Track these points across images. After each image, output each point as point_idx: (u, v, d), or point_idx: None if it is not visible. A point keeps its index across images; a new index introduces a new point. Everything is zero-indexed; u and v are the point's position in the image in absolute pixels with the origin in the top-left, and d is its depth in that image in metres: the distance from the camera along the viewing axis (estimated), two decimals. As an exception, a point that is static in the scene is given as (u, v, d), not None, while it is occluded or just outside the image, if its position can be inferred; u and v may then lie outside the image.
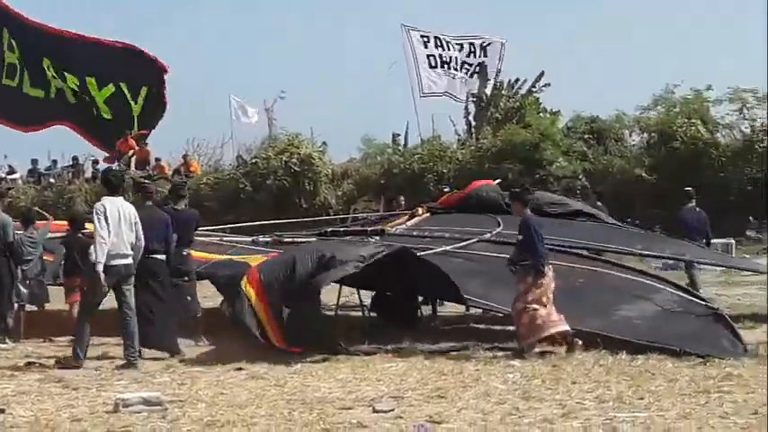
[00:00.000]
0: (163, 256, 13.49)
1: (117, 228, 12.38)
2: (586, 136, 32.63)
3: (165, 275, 13.59)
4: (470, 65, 35.19)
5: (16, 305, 15.10)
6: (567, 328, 12.51)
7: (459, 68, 35.28)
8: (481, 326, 15.74)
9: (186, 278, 14.56)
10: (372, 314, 16.29)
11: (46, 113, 34.56)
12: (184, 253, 14.57)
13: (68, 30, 34.83)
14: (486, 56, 35.36)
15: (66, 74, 34.25)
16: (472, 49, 35.60)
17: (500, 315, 15.84)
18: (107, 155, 35.16)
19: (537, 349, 12.49)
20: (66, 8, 65.22)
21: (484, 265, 15.01)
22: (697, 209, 19.22)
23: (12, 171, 37.51)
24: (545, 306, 12.54)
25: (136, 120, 34.84)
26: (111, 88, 35.22)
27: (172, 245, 13.73)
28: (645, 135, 33.03)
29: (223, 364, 12.35)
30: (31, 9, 35.63)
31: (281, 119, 38.41)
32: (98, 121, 35.20)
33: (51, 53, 34.19)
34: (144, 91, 34.89)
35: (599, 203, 22.14)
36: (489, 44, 35.59)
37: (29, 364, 12.69)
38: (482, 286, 14.21)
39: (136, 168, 34.45)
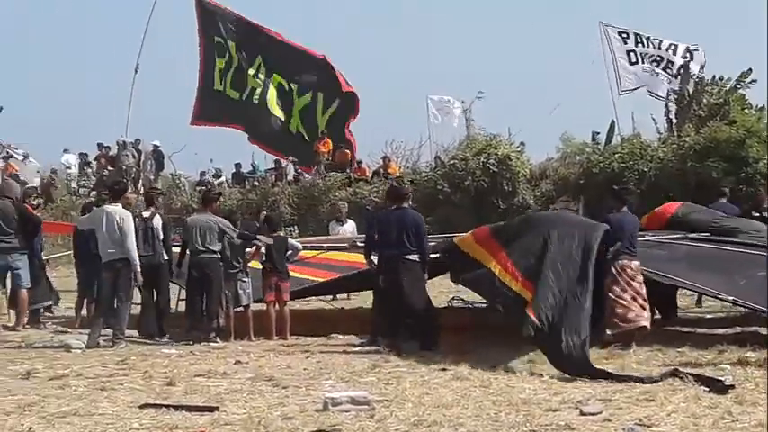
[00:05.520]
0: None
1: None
2: (795, 132, 31.42)
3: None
4: (672, 63, 34.49)
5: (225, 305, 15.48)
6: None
7: (659, 65, 34.66)
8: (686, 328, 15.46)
9: None
10: None
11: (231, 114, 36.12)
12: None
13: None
14: (692, 59, 34.67)
15: (274, 73, 35.67)
16: (673, 48, 34.98)
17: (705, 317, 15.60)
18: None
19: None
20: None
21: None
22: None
23: (218, 174, 38.63)
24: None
25: (319, 133, 35.84)
26: (307, 98, 36.21)
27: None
28: None
29: (427, 364, 12.47)
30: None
31: (478, 119, 38.31)
32: (284, 133, 36.31)
33: (266, 52, 35.66)
34: (335, 104, 35.84)
35: None
36: (696, 50, 34.86)
37: (238, 362, 13.04)
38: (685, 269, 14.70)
39: (335, 171, 35.00)
